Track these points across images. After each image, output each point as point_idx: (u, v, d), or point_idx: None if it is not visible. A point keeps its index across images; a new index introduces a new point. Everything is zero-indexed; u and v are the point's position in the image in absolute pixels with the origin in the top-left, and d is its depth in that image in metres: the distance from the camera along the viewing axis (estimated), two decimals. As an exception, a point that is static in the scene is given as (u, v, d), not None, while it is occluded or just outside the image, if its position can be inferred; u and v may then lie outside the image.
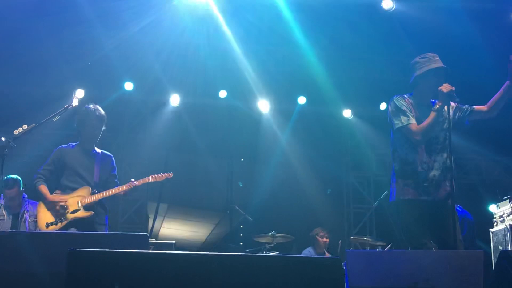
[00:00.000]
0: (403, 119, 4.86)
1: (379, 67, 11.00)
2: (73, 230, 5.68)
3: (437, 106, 4.77)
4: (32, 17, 8.56)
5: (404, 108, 4.89)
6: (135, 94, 10.30)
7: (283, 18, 9.17)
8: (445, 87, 4.74)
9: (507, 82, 4.84)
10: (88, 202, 5.83)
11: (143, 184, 6.11)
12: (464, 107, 5.07)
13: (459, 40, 9.29)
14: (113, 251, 2.73)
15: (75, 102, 5.49)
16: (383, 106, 11.17)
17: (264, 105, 10.98)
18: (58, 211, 5.76)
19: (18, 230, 6.87)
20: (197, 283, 2.70)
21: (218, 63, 9.93)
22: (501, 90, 4.91)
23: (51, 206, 5.80)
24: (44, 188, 5.91)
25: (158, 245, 6.76)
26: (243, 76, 10.15)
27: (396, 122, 4.91)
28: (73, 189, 5.90)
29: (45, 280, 3.03)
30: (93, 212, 5.82)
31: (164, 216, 10.82)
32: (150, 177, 6.11)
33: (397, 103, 4.95)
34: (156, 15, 8.80)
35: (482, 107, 5.06)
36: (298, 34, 9.59)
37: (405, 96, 5.02)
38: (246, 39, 9.55)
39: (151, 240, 7.98)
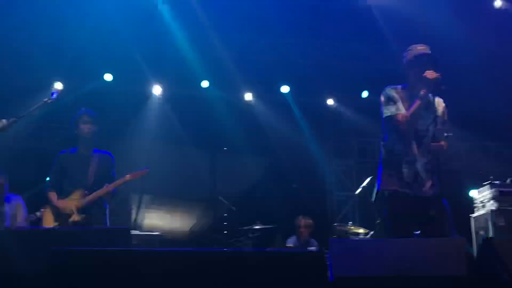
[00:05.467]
0: (392, 108, 4.86)
1: (363, 55, 11.02)
2: None
3: (422, 93, 4.73)
4: (7, 6, 8.43)
5: (395, 98, 4.89)
6: (115, 85, 10.20)
7: (264, 6, 9.14)
8: (430, 74, 4.71)
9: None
10: (80, 205, 5.84)
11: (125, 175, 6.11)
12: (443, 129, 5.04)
13: (440, 27, 9.31)
14: (95, 250, 2.70)
15: (53, 96, 5.44)
16: (364, 94, 11.22)
17: (247, 94, 10.97)
18: (59, 216, 5.85)
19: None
20: (179, 279, 2.68)
21: (200, 53, 9.87)
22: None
23: (55, 212, 5.92)
24: (51, 195, 6.05)
25: (143, 237, 6.74)
26: (225, 65, 10.10)
27: (385, 111, 4.92)
28: (70, 193, 5.93)
29: (26, 279, 2.99)
30: (84, 216, 5.82)
31: (148, 207, 10.79)
32: (127, 176, 6.12)
33: (388, 93, 4.95)
34: (134, 2, 8.72)
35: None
36: (279, 22, 9.56)
37: (398, 86, 5.01)
38: (227, 27, 9.50)
39: (136, 232, 7.97)
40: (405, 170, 4.80)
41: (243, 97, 11.05)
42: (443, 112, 5.03)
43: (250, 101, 11.11)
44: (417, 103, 4.72)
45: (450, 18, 9.37)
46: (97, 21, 8.93)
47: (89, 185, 5.99)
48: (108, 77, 10.04)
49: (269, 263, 2.97)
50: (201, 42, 9.83)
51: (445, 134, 4.98)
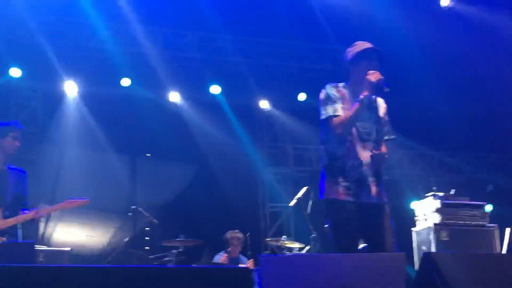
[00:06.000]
0: (330, 109, 4.83)
1: (299, 54, 11.15)
2: None
3: (362, 96, 4.75)
4: None
5: (334, 97, 4.87)
6: (24, 81, 9.90)
7: (194, 1, 9.12)
8: (373, 76, 4.74)
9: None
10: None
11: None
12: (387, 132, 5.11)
13: (385, 27, 9.52)
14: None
15: None
16: (302, 96, 11.32)
17: (173, 95, 10.90)
18: None
19: None
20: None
21: (120, 46, 9.73)
22: None
23: None
24: None
25: (50, 253, 6.54)
26: (149, 62, 9.99)
27: (322, 112, 4.87)
28: None
29: None
30: (4, 239, 5.61)
31: (59, 220, 10.53)
32: (63, 203, 5.97)
33: (328, 92, 4.91)
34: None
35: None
36: (209, 16, 9.55)
37: (339, 84, 5.00)
38: (150, 20, 9.41)
39: (42, 248, 7.73)
40: (348, 176, 4.80)
41: (168, 97, 10.93)
42: (385, 113, 5.10)
43: (176, 102, 11.00)
44: (356, 106, 4.74)
45: (395, 18, 9.60)
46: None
47: (7, 203, 5.81)
48: (15, 72, 9.71)
49: (193, 280, 2.92)
50: (121, 34, 9.70)
51: (387, 138, 5.05)
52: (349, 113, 4.75)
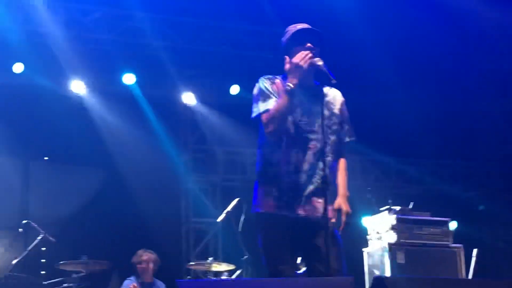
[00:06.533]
0: (261, 106, 4.78)
1: (232, 38, 11.14)
2: None
3: (290, 84, 4.67)
4: None
5: (268, 92, 4.81)
6: None
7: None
8: (302, 58, 4.65)
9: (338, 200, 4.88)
10: None
11: None
12: (342, 132, 5.06)
13: (340, 9, 9.62)
14: None
15: None
16: (234, 89, 11.30)
17: (77, 84, 10.73)
18: None
19: None
20: None
21: (12, 25, 9.53)
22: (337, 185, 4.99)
23: None
24: None
25: None
26: (46, 43, 9.84)
27: (254, 110, 4.84)
28: None
29: None
30: None
31: None
32: None
33: (261, 86, 4.85)
34: None
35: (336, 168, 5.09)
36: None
37: (277, 77, 4.94)
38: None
39: None
40: (285, 186, 4.76)
41: (71, 87, 10.74)
42: (341, 110, 5.04)
43: (80, 93, 10.83)
44: (283, 98, 4.66)
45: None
46: None
47: None
48: None
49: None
50: (14, 8, 9.49)
51: (348, 139, 5.01)
52: (274, 107, 4.69)
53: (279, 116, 4.65)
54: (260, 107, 4.76)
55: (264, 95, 4.79)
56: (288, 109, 4.67)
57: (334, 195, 4.80)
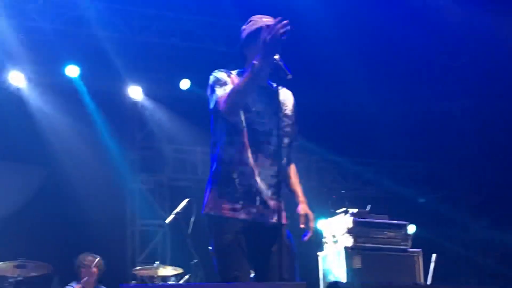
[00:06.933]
0: (219, 91, 4.75)
1: (182, 30, 11.12)
2: None
3: (255, 62, 4.64)
4: None
5: (224, 79, 4.80)
6: None
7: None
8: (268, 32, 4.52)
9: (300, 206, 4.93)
10: None
11: None
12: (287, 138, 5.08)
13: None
14: None
15: None
16: (184, 84, 11.29)
17: (15, 75, 10.62)
18: None
19: None
20: None
21: None
22: (295, 194, 5.03)
23: None
24: None
25: None
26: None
27: (211, 101, 4.82)
28: None
29: None
30: None
31: None
32: None
33: (216, 75, 4.83)
34: None
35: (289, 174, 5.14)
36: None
37: (232, 72, 4.94)
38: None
39: None
40: (239, 187, 4.76)
41: (8, 78, 10.62)
42: (292, 110, 5.07)
43: (18, 85, 10.71)
44: (247, 75, 4.63)
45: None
46: None
47: None
48: None
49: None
50: None
51: (294, 143, 5.05)
52: (238, 84, 4.67)
53: (239, 92, 4.62)
54: (218, 93, 4.73)
55: (220, 82, 4.77)
56: (251, 88, 4.66)
57: (287, 200, 4.83)
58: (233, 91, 4.61)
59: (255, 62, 4.55)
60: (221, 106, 4.64)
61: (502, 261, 11.55)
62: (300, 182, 5.04)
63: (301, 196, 4.93)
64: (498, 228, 12.13)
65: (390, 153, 12.87)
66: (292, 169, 5.06)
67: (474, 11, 10.39)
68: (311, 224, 4.76)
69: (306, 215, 4.76)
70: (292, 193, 4.99)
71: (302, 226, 4.73)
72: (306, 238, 4.79)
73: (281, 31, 4.47)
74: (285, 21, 4.48)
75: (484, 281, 11.82)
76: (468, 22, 10.71)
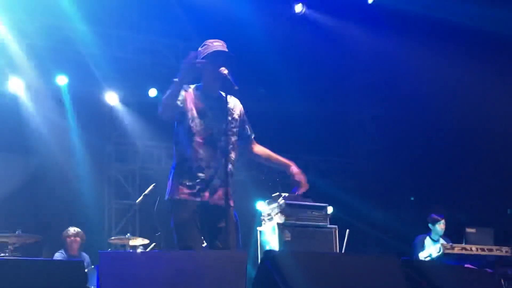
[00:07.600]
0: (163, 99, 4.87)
1: (147, 48, 11.08)
2: None
3: (176, 80, 4.75)
4: None
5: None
6: None
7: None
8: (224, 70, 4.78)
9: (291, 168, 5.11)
10: None
11: None
12: (245, 132, 5.20)
13: (243, 27, 9.67)
14: None
15: None
16: (152, 92, 11.24)
17: (15, 82, 10.40)
18: None
19: None
20: None
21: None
22: (282, 163, 5.17)
23: None
24: None
25: None
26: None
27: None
28: None
29: None
30: None
31: None
32: None
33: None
34: None
35: (256, 150, 5.25)
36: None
37: (191, 86, 5.00)
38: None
39: None
40: (195, 176, 4.82)
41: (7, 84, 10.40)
42: (240, 115, 5.15)
43: (16, 91, 10.49)
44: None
45: (253, 19, 9.79)
46: None
47: None
48: None
49: (23, 273, 2.78)
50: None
51: (252, 135, 5.17)
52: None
53: (168, 99, 4.72)
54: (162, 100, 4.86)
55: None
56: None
57: (234, 186, 4.92)
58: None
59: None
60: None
61: (396, 236, 11.75)
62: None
63: (287, 161, 5.26)
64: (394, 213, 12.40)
65: (314, 150, 12.97)
66: (261, 148, 5.34)
67: (380, 39, 10.55)
68: (303, 180, 5.12)
69: (300, 173, 5.16)
70: (279, 165, 5.32)
71: (297, 179, 5.13)
72: (299, 192, 4.98)
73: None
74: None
75: (384, 251, 12.04)
76: (375, 47, 10.88)
